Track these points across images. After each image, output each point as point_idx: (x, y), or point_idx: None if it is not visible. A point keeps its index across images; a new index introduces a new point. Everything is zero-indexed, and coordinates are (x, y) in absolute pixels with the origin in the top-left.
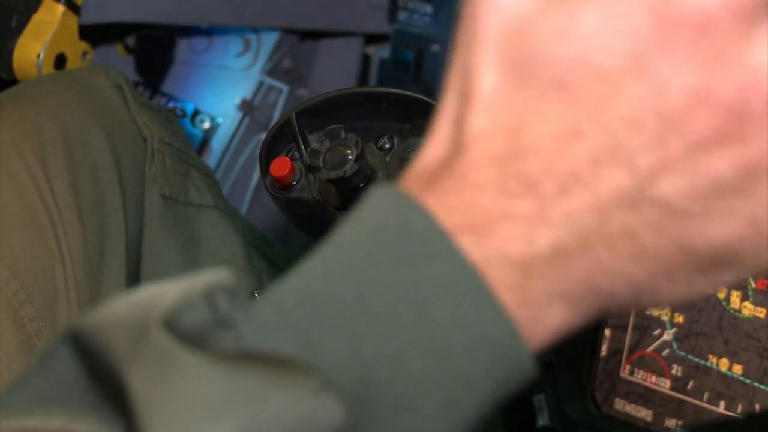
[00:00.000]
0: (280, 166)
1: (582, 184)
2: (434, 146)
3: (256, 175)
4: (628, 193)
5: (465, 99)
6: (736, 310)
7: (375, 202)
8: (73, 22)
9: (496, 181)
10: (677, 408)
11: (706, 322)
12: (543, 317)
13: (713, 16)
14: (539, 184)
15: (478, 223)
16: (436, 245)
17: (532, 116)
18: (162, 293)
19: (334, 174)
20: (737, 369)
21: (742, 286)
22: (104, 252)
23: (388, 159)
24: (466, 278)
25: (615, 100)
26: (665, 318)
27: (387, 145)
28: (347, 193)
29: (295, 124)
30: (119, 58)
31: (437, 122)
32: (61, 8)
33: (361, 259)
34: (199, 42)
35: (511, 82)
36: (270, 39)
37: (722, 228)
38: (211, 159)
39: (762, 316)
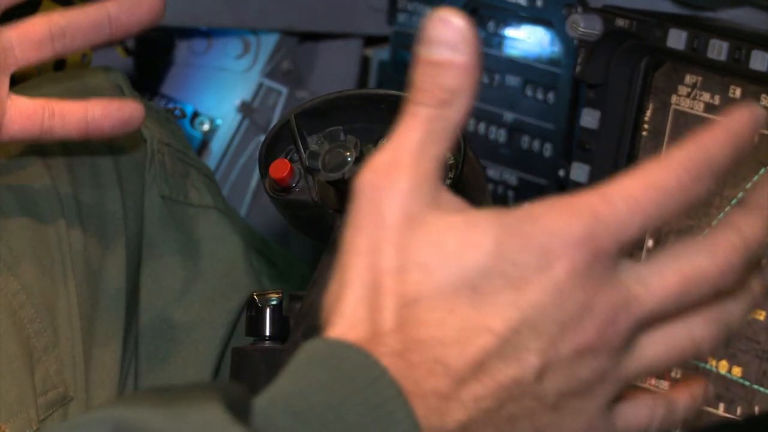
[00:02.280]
0: (280, 168)
1: (486, 373)
2: (349, 326)
3: (256, 176)
4: (520, 384)
5: (378, 291)
6: None
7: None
8: None
9: (423, 363)
10: None
11: None
12: None
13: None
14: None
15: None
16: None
17: (446, 313)
18: None
19: (333, 176)
20: (736, 371)
21: None
22: (104, 253)
23: None
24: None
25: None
26: None
27: None
28: (347, 195)
29: (295, 125)
30: (119, 60)
31: (345, 300)
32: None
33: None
34: (199, 44)
35: (430, 283)
36: (269, 41)
37: (572, 423)
38: (211, 161)
39: (761, 318)
